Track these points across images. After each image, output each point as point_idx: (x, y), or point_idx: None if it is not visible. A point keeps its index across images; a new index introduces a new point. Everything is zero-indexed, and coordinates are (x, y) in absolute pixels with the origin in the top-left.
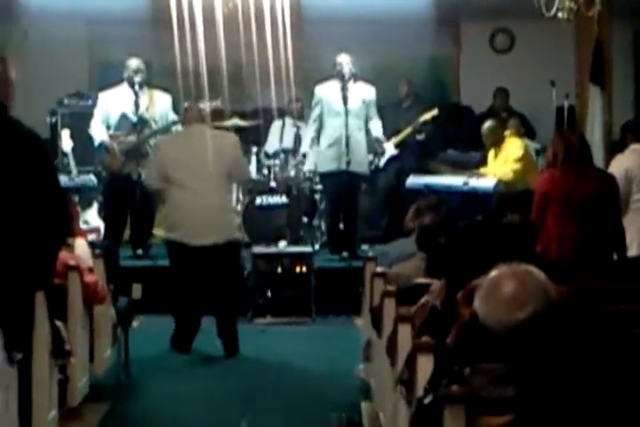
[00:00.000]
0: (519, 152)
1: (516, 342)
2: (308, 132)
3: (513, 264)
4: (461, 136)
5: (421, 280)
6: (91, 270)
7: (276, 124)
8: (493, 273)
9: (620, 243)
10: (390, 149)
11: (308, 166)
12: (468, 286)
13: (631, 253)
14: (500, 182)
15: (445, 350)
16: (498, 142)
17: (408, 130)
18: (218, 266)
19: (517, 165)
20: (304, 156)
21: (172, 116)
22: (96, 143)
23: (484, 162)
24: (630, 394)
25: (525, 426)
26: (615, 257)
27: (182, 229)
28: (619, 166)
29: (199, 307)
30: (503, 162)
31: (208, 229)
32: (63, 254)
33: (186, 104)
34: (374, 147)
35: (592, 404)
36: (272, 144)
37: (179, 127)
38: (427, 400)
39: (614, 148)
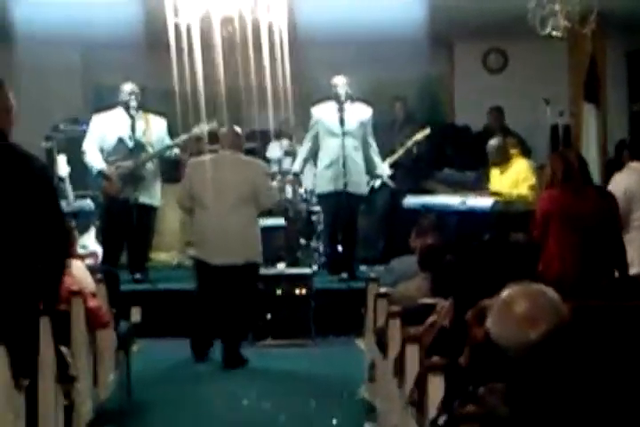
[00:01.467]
0: (533, 178)
1: (530, 360)
2: (300, 153)
3: (524, 283)
4: (458, 155)
5: (426, 300)
6: (94, 295)
7: (273, 145)
8: (505, 292)
9: (621, 261)
10: (385, 169)
11: (304, 187)
12: (477, 305)
13: (632, 271)
14: (498, 202)
15: (458, 369)
16: (504, 161)
17: (401, 150)
18: (235, 287)
19: (533, 192)
20: (295, 175)
21: (168, 141)
22: (94, 172)
23: (481, 181)
24: (634, 409)
25: None
26: (617, 275)
27: (204, 248)
28: (618, 185)
29: (214, 327)
30: (512, 182)
31: (227, 250)
32: (66, 280)
33: (222, 129)
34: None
35: (601, 420)
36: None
37: (175, 151)
38: (441, 421)
39: (609, 165)
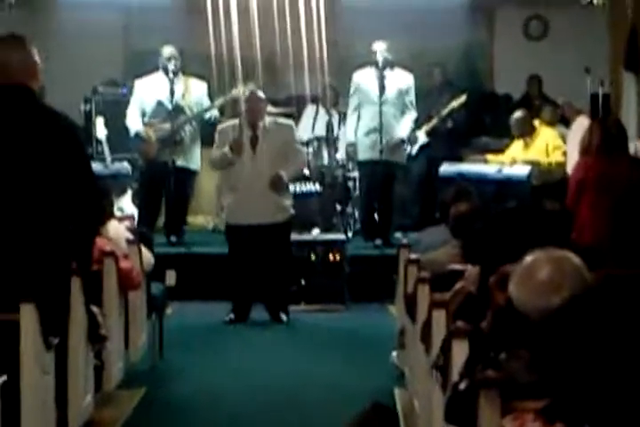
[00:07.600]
0: (564, 145)
1: (551, 326)
2: (350, 121)
3: (548, 249)
4: (496, 123)
5: (455, 266)
6: (126, 256)
7: (309, 111)
8: (528, 258)
9: None
10: (422, 136)
11: (359, 155)
12: (500, 271)
13: None
14: (534, 170)
15: (481, 335)
16: (528, 133)
17: (437, 117)
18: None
19: (563, 158)
20: (352, 145)
21: (207, 104)
22: (132, 133)
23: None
24: None
25: (561, 410)
26: None
27: None
28: None
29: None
30: (542, 152)
31: None
32: (99, 240)
33: None
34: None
35: (627, 390)
36: (303, 132)
37: (214, 114)
38: (462, 386)
39: None
